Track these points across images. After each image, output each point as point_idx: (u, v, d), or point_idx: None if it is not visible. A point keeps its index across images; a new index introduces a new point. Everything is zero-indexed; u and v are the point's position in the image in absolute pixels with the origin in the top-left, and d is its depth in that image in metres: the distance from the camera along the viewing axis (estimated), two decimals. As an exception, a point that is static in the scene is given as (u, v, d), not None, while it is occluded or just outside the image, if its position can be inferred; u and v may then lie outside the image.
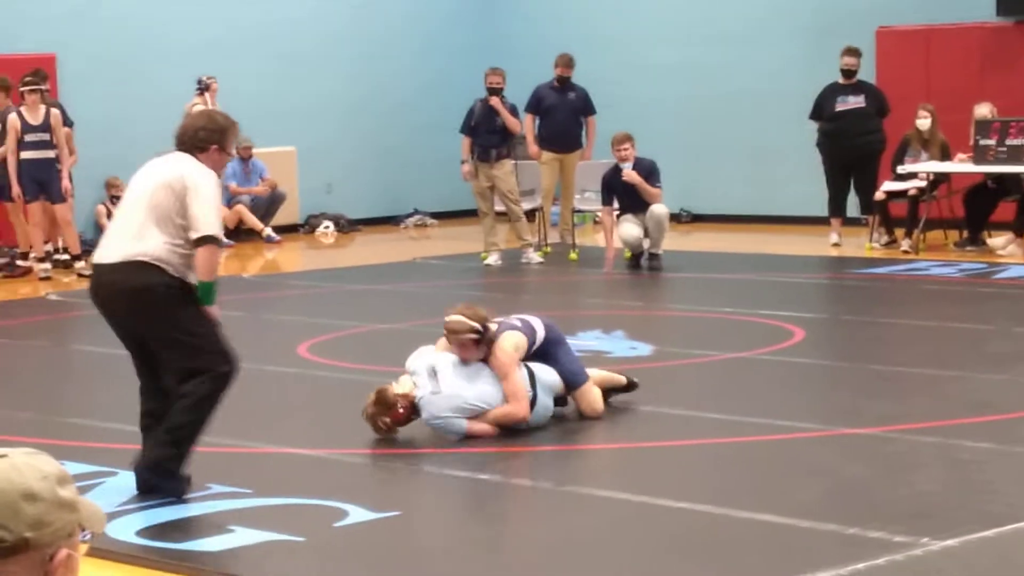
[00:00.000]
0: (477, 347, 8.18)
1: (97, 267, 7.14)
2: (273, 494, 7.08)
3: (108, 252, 7.06)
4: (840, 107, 16.90)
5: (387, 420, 8.12)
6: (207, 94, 17.48)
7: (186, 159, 7.07)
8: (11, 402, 9.66)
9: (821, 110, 17.07)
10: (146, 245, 6.88)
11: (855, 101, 16.89)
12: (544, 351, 8.53)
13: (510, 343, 8.29)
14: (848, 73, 16.93)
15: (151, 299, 6.89)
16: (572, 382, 8.54)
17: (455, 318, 8.18)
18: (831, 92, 17.03)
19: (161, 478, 7.03)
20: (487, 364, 8.25)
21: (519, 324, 8.54)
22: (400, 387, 8.20)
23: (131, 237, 6.94)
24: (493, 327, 8.29)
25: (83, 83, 18.16)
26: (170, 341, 6.96)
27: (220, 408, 8.39)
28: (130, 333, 7.14)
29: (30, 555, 2.21)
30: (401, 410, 8.13)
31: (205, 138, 7.10)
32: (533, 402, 8.27)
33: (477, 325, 8.15)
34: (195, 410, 7.02)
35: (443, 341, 8.42)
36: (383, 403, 8.12)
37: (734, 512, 6.64)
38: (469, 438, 8.05)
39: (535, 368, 8.40)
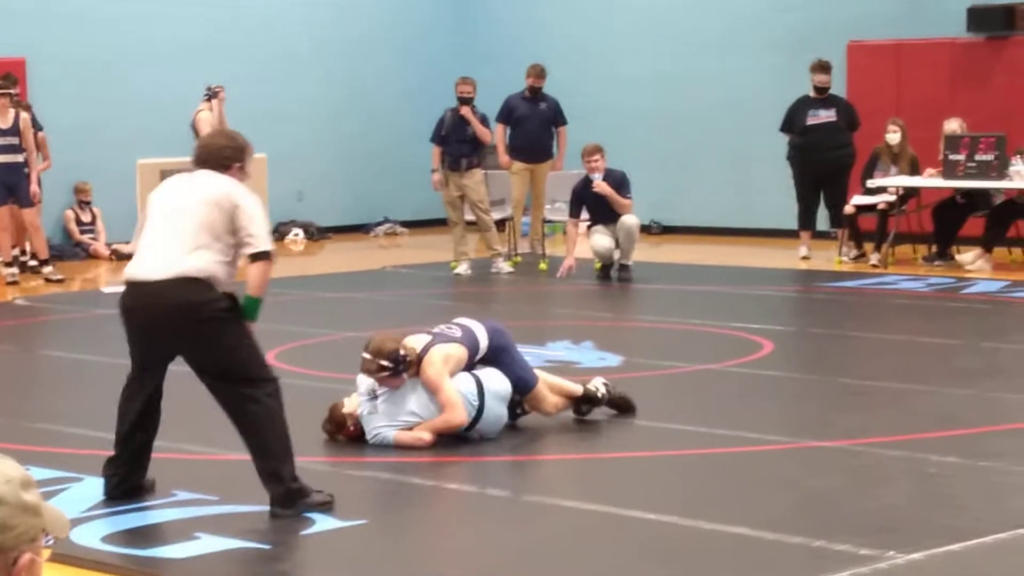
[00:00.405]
0: (397, 377, 8.21)
1: (139, 284, 6.94)
2: (239, 501, 7.06)
3: (153, 269, 6.91)
4: (811, 121, 16.96)
5: (341, 437, 8.32)
6: (214, 101, 17.38)
7: (220, 176, 7.05)
8: (-23, 406, 9.60)
9: (792, 123, 17.13)
10: (197, 261, 6.80)
11: (826, 115, 16.95)
12: (491, 358, 8.54)
13: (438, 356, 8.30)
14: (821, 91, 16.99)
15: (205, 314, 6.79)
16: (522, 387, 8.56)
17: (365, 357, 8.20)
18: (802, 105, 17.09)
19: (298, 502, 6.89)
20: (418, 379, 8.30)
21: (458, 335, 8.54)
22: (348, 406, 8.33)
23: (180, 253, 6.83)
24: (414, 348, 8.27)
25: (53, 87, 18.10)
26: (224, 352, 6.85)
27: (186, 414, 8.38)
28: (165, 350, 6.98)
29: (-8, 559, 2.21)
30: (351, 427, 8.31)
31: (229, 156, 7.13)
32: (481, 411, 8.29)
33: (386, 363, 8.15)
34: (279, 422, 6.94)
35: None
36: (334, 421, 8.35)
37: (701, 524, 6.65)
38: (416, 449, 8.09)
39: (483, 377, 8.41)
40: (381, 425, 8.20)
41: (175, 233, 6.93)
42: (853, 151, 16.93)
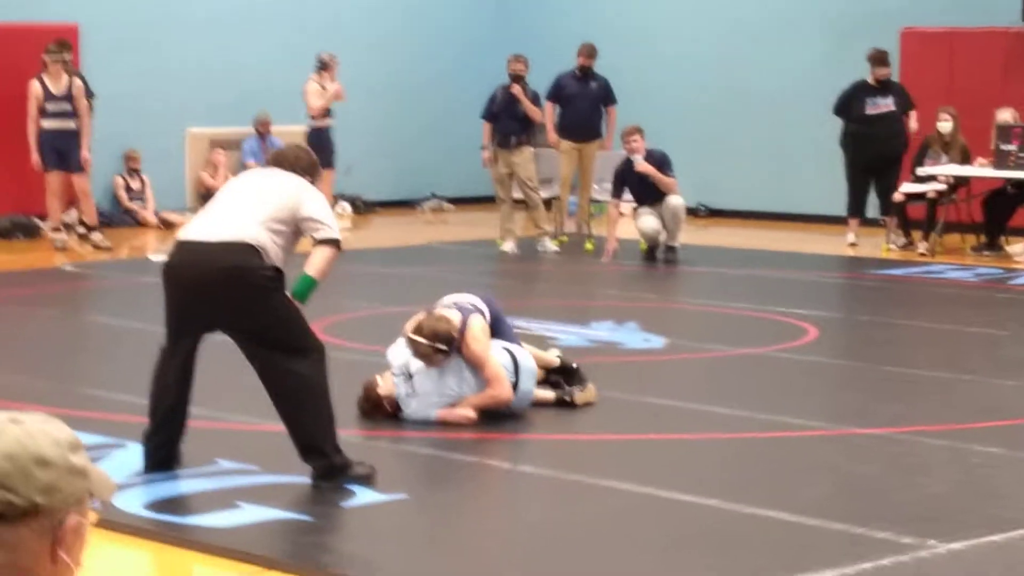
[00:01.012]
0: (448, 356, 8.19)
1: (187, 244, 7.01)
2: (281, 471, 7.09)
3: (204, 232, 6.97)
4: (870, 110, 16.80)
5: (377, 415, 8.26)
6: (325, 72, 17.44)
7: (290, 174, 7.16)
8: (24, 370, 9.68)
9: (848, 109, 16.97)
10: (252, 231, 6.84)
11: (884, 104, 16.78)
12: (491, 328, 8.53)
13: (479, 330, 8.29)
14: (882, 83, 16.80)
15: (250, 279, 6.81)
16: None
17: (420, 342, 8.11)
18: (860, 92, 16.91)
19: (341, 476, 6.90)
20: (460, 355, 8.24)
21: (478, 306, 8.54)
22: (384, 386, 8.27)
23: (233, 222, 6.89)
24: (454, 324, 8.25)
25: (105, 54, 18.16)
26: (268, 320, 6.86)
27: (231, 384, 8.42)
28: (205, 314, 6.96)
29: (40, 520, 2.21)
30: (388, 407, 8.25)
31: (305, 168, 7.24)
32: (516, 386, 8.29)
33: (442, 345, 8.14)
34: (322, 394, 6.95)
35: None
36: (370, 401, 8.28)
37: (742, 508, 6.64)
38: (454, 425, 8.08)
39: (516, 353, 8.41)
40: (422, 405, 8.16)
41: (235, 207, 6.99)
42: (907, 139, 16.81)
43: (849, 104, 16.97)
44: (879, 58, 16.91)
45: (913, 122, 16.72)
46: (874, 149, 16.73)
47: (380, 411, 8.26)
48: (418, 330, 8.15)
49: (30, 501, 2.20)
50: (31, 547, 2.20)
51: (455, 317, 8.32)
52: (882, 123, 16.75)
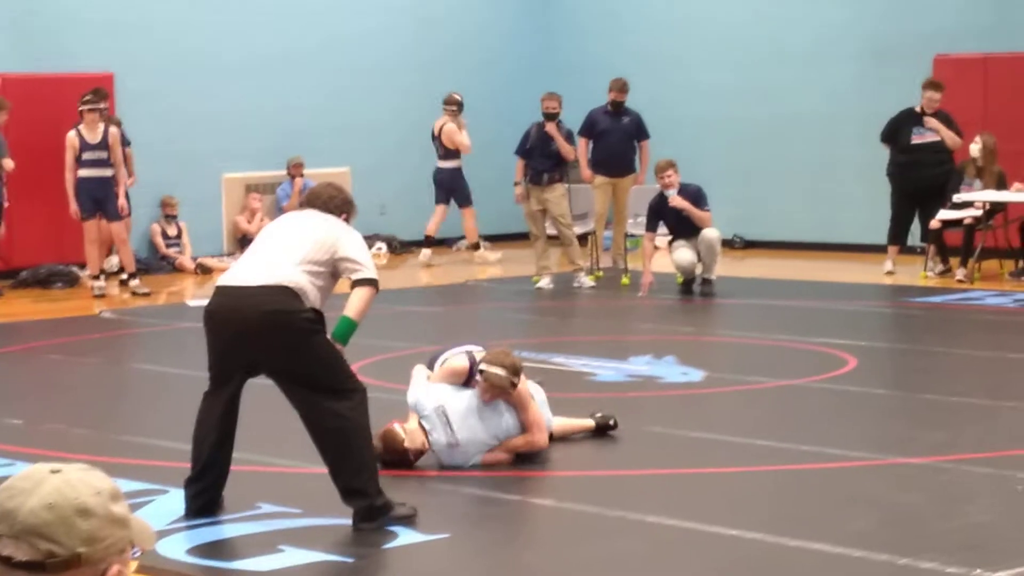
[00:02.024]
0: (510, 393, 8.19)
1: (227, 288, 7.04)
2: (322, 514, 7.09)
3: (243, 277, 7.02)
4: (916, 139, 16.73)
5: (399, 466, 8.00)
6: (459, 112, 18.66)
7: (326, 215, 7.21)
8: (65, 418, 9.72)
9: (895, 138, 16.86)
10: (290, 274, 6.88)
11: (931, 134, 16.70)
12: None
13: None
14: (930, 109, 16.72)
15: (291, 322, 6.83)
16: None
17: (500, 374, 8.06)
18: (907, 121, 16.80)
19: (383, 517, 6.91)
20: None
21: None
22: (409, 439, 8.02)
23: (271, 266, 6.94)
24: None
25: (141, 102, 18.29)
26: (309, 362, 6.87)
27: (270, 427, 8.44)
28: (247, 358, 6.98)
29: (82, 570, 2.22)
30: (412, 458, 8.05)
31: (338, 205, 7.29)
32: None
33: (517, 380, 8.13)
34: (364, 436, 6.98)
35: (438, 371, 8.37)
36: (394, 453, 8.01)
37: (786, 540, 6.60)
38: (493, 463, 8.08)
39: (536, 393, 8.41)
40: (467, 453, 8.05)
41: (272, 252, 7.03)
42: (953, 168, 16.72)
43: (895, 133, 16.87)
44: (933, 84, 16.78)
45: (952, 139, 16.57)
46: (919, 178, 16.64)
47: (403, 463, 8.03)
48: (498, 362, 8.07)
49: (72, 552, 2.21)
50: (74, 597, 2.22)
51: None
52: (928, 152, 16.66)
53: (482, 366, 8.11)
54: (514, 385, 8.10)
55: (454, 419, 8.08)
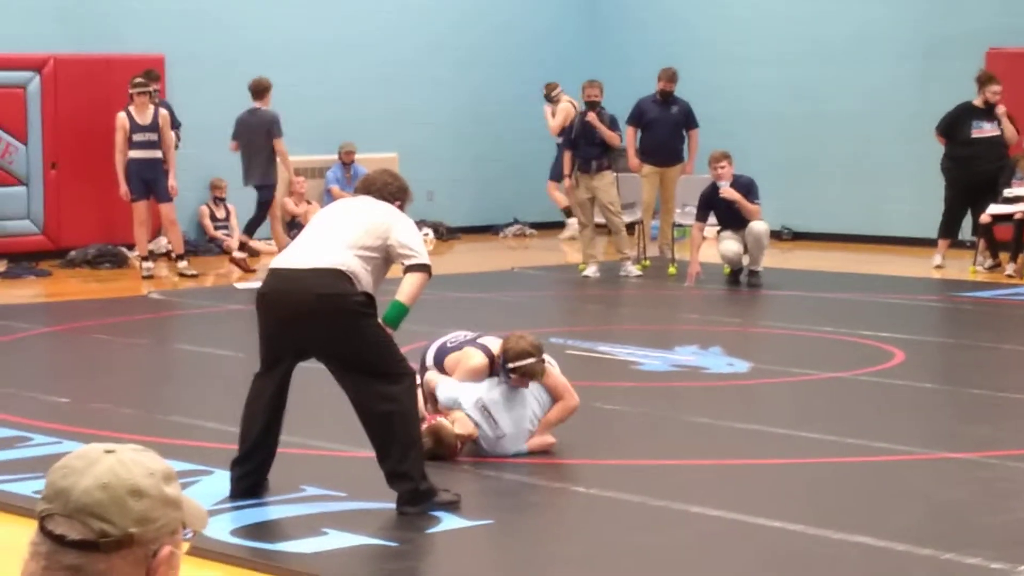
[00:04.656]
0: None
1: (280, 271, 7.07)
2: (367, 498, 7.12)
3: (297, 260, 7.04)
4: (975, 133, 16.60)
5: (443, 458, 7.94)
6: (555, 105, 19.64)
7: (379, 201, 7.25)
8: (112, 398, 9.77)
9: (953, 132, 16.72)
10: (343, 258, 6.92)
11: (991, 128, 16.58)
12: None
13: None
14: (987, 106, 16.58)
15: (342, 305, 6.86)
16: None
17: (528, 363, 7.97)
18: (966, 115, 16.66)
19: (427, 502, 6.93)
20: None
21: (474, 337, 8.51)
22: (460, 426, 7.98)
23: (323, 250, 6.97)
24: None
25: (191, 84, 18.36)
26: (360, 346, 6.90)
27: (317, 410, 8.48)
28: (298, 340, 6.99)
29: (134, 550, 2.24)
30: (460, 447, 8.02)
31: (393, 192, 7.33)
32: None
33: (544, 359, 8.13)
34: (412, 420, 7.01)
35: (457, 370, 8.28)
36: (446, 445, 7.94)
37: (829, 533, 6.59)
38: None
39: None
40: (514, 441, 8.02)
41: (326, 236, 7.07)
42: (1008, 162, 16.60)
43: (953, 127, 16.73)
44: (989, 77, 16.66)
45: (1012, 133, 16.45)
46: (977, 172, 16.51)
47: (448, 451, 7.96)
48: (522, 351, 8.05)
49: (125, 532, 2.22)
50: (125, 576, 2.24)
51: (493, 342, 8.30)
52: (986, 147, 16.54)
53: (510, 364, 8.05)
54: (544, 363, 8.10)
55: (495, 412, 8.05)
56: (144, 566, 2.25)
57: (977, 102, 16.65)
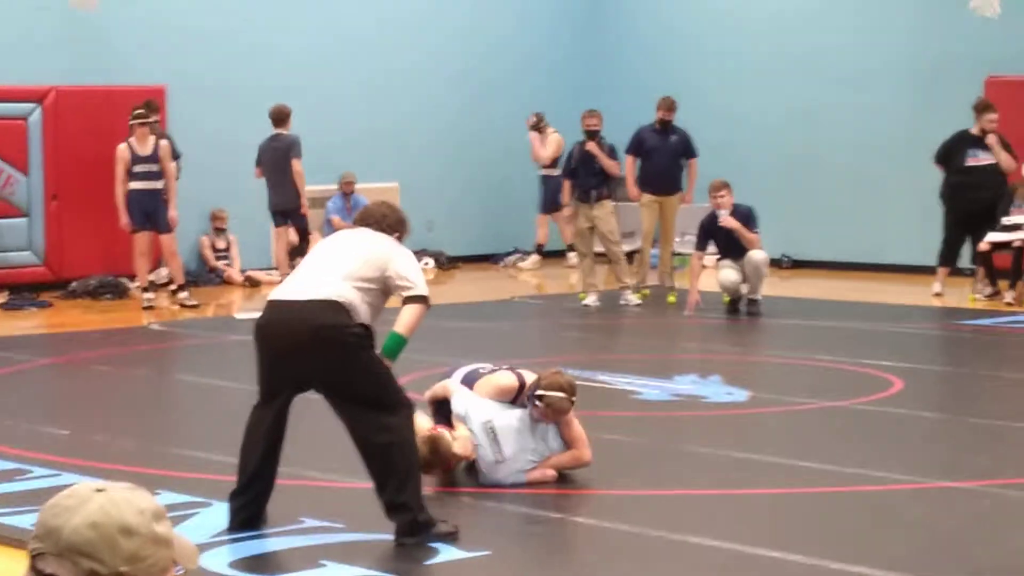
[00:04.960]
0: None
1: (278, 303, 7.12)
2: (365, 529, 7.12)
3: (294, 291, 7.09)
4: (971, 161, 16.64)
5: (436, 472, 8.02)
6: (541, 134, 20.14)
7: (378, 233, 7.28)
8: (111, 430, 9.78)
9: (949, 160, 16.78)
10: (341, 290, 6.95)
11: (986, 157, 16.61)
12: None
13: None
14: (984, 131, 16.61)
15: (339, 337, 6.89)
16: None
17: (559, 396, 8.05)
18: (962, 143, 16.71)
19: (425, 533, 6.94)
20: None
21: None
22: (459, 444, 8.01)
23: (321, 282, 7.00)
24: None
25: (191, 115, 18.41)
26: (358, 377, 6.93)
27: (315, 441, 8.48)
28: (297, 372, 7.02)
29: (124, 588, 2.26)
30: (453, 464, 8.05)
31: (391, 225, 7.37)
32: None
33: (575, 400, 8.16)
34: (411, 451, 7.03)
35: (484, 386, 8.32)
36: (441, 456, 7.99)
37: (828, 563, 6.60)
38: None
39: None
40: (513, 470, 8.03)
41: (323, 268, 7.10)
42: (1006, 190, 16.63)
43: (950, 155, 16.78)
44: (986, 104, 16.70)
45: (1008, 162, 16.47)
46: (974, 200, 16.54)
47: (443, 470, 8.03)
48: (557, 386, 8.05)
49: (115, 570, 2.24)
50: (115, 615, 2.25)
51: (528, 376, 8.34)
52: (982, 174, 16.56)
53: (540, 392, 8.10)
54: (572, 404, 8.13)
55: (501, 436, 8.07)
56: (136, 604, 2.27)
57: (974, 130, 16.68)
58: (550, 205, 20.11)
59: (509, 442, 8.06)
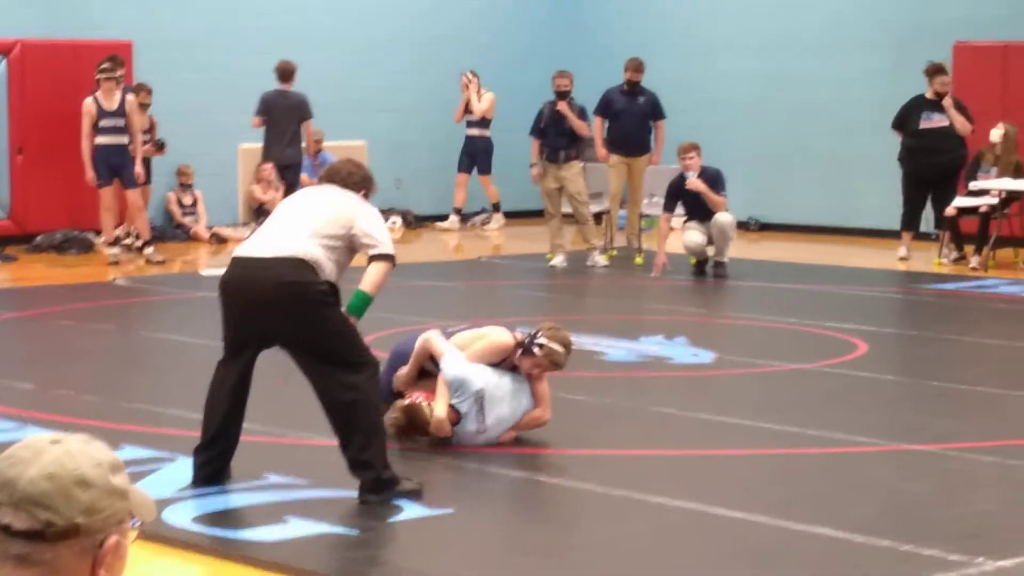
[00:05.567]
0: None
1: (243, 259, 7.09)
2: (329, 486, 7.13)
3: (259, 248, 7.06)
4: (924, 124, 16.72)
5: (408, 436, 7.98)
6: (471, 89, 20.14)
7: (344, 190, 7.24)
8: (76, 385, 9.75)
9: (905, 124, 16.87)
10: (306, 247, 6.92)
11: (939, 119, 16.68)
12: None
13: None
14: (939, 94, 16.68)
15: (305, 294, 6.87)
16: None
17: (559, 350, 8.08)
18: (916, 107, 16.82)
19: (389, 490, 6.93)
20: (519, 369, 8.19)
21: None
22: (436, 425, 7.89)
23: (287, 239, 6.98)
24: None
25: (158, 70, 18.29)
26: (323, 334, 6.92)
27: (280, 398, 8.47)
28: (261, 329, 7.00)
29: (80, 540, 2.25)
30: (427, 434, 7.98)
31: (357, 182, 7.32)
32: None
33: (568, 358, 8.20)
34: (375, 409, 7.02)
35: (480, 347, 8.24)
36: (414, 426, 7.96)
37: (790, 524, 6.63)
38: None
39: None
40: (493, 435, 7.99)
41: (289, 225, 7.07)
42: (965, 154, 16.70)
43: (905, 119, 16.89)
44: (937, 68, 16.78)
45: (963, 124, 16.55)
46: (929, 163, 16.63)
47: (416, 435, 7.99)
48: (558, 339, 8.08)
49: (70, 521, 2.23)
50: (71, 566, 2.24)
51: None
52: (936, 137, 16.64)
53: (542, 340, 8.09)
54: (566, 356, 8.15)
55: (488, 407, 8.00)
56: (91, 556, 2.25)
57: (928, 94, 16.76)
58: (470, 166, 20.17)
59: (493, 412, 8.01)
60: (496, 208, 20.54)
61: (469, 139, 20.20)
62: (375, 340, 10.88)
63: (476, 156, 20.13)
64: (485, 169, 20.25)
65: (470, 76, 20.20)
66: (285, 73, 17.76)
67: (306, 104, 17.68)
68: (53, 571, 2.23)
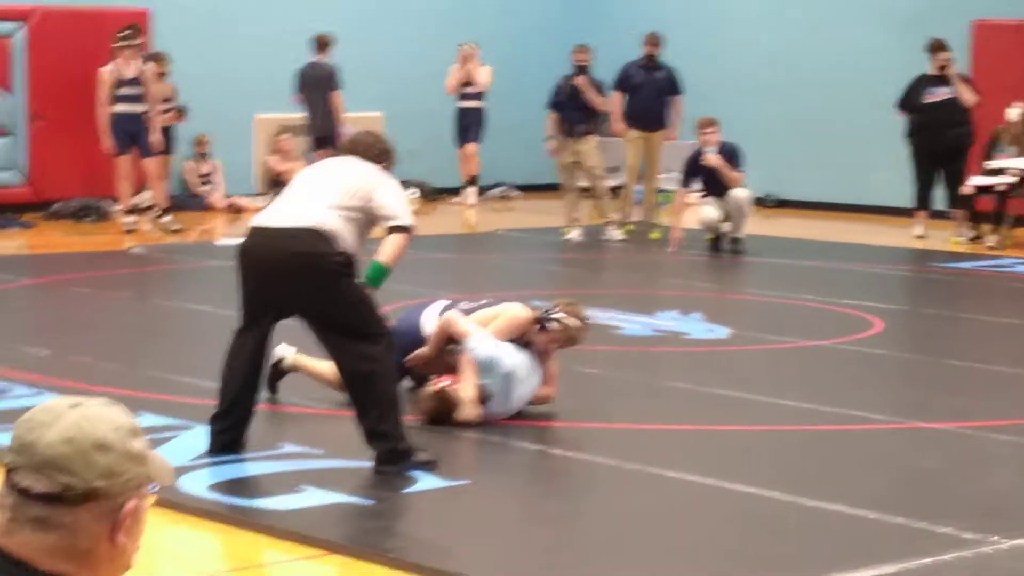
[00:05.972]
0: None
1: (261, 229, 7.08)
2: (345, 456, 7.14)
3: (277, 218, 7.06)
4: (929, 99, 16.71)
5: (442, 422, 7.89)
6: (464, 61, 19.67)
7: (364, 162, 7.23)
8: (91, 351, 9.78)
9: (910, 101, 16.90)
10: (325, 218, 6.92)
11: (943, 92, 16.67)
12: None
13: None
14: (941, 68, 16.68)
15: (322, 265, 6.87)
16: None
17: (578, 326, 8.13)
18: (920, 84, 16.84)
19: (404, 461, 6.93)
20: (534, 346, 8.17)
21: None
22: (464, 412, 7.82)
23: (305, 209, 6.98)
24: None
25: (175, 40, 18.27)
26: (339, 305, 6.91)
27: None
28: (278, 299, 7.01)
29: (99, 504, 2.25)
30: (458, 418, 7.90)
31: (377, 154, 7.31)
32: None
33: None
34: (392, 380, 7.03)
35: (500, 324, 8.17)
36: (440, 414, 7.86)
37: (803, 500, 6.63)
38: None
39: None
40: (511, 408, 7.97)
41: (308, 196, 7.07)
42: (972, 129, 16.67)
43: (910, 97, 16.87)
44: (937, 44, 16.77)
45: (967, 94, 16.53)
46: (936, 138, 16.60)
47: (446, 422, 7.85)
48: (576, 315, 8.14)
49: (89, 485, 2.24)
50: (90, 530, 2.25)
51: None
52: (941, 111, 16.60)
53: (559, 315, 8.09)
54: (584, 333, 8.22)
55: (513, 387, 7.95)
56: (110, 520, 2.26)
57: (931, 71, 16.73)
58: (465, 137, 19.80)
59: (517, 392, 8.00)
60: (472, 182, 20.04)
61: (463, 111, 19.72)
62: (392, 312, 10.90)
63: (470, 128, 19.78)
64: (477, 138, 19.80)
65: (472, 47, 19.86)
66: (321, 43, 17.91)
67: (333, 76, 17.77)
68: (72, 534, 2.24)
